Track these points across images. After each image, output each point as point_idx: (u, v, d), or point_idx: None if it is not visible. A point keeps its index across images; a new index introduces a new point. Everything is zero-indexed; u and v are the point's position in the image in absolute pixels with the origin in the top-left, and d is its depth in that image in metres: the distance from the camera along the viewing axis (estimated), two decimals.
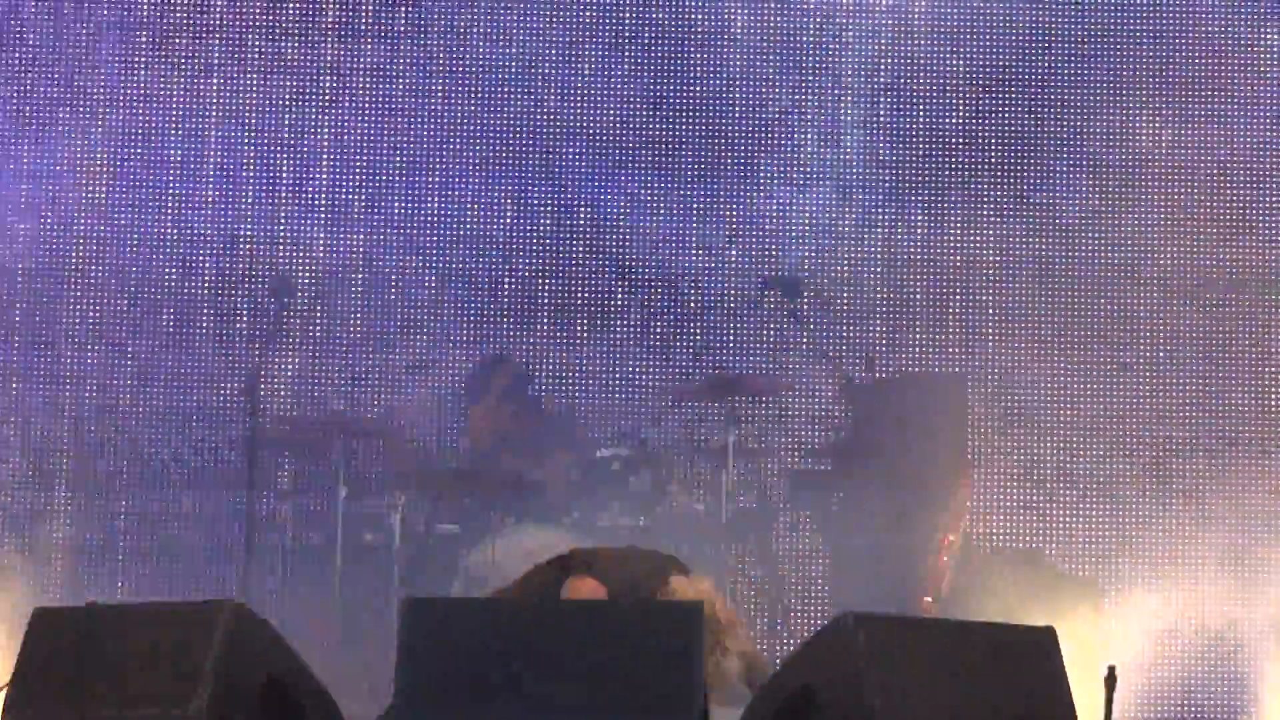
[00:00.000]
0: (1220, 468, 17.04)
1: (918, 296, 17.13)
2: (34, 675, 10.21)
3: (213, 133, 18.25)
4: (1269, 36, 17.69)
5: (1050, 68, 18.05)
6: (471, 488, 14.07)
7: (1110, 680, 10.38)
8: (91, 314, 17.73)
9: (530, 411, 15.04)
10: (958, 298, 17.14)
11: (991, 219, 17.48)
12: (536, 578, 11.70)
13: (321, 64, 18.38)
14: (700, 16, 18.35)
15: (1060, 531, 16.66)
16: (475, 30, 18.22)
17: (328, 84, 18.42)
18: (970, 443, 15.22)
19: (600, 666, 10.17)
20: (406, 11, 18.47)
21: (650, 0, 18.25)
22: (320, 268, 17.87)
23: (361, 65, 18.52)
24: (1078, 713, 10.06)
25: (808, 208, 17.76)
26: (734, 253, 17.46)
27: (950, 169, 17.84)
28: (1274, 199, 17.57)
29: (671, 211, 17.66)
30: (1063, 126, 17.84)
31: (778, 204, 17.72)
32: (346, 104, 18.63)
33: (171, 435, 16.79)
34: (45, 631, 10.53)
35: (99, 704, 9.93)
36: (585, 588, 11.61)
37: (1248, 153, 17.56)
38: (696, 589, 11.78)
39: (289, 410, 15.74)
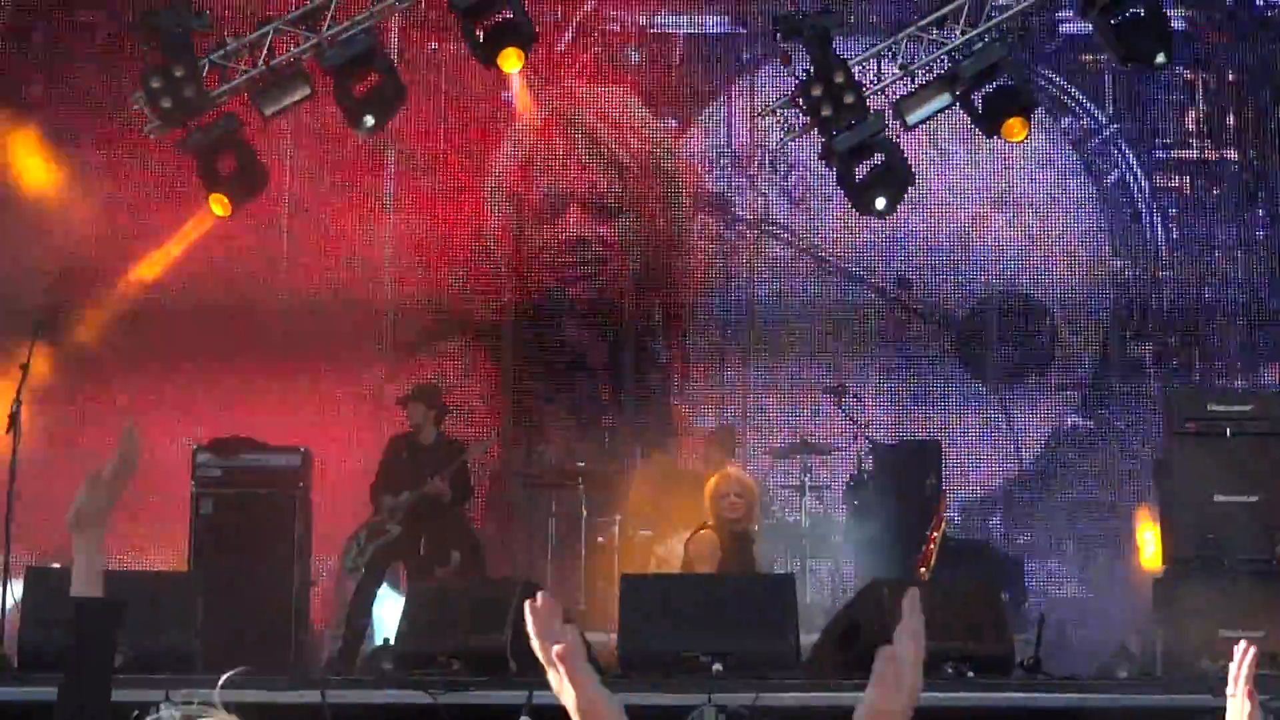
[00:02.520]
0: None
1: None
2: (412, 615, 10.29)
3: None
4: None
5: None
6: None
7: (1040, 620, 10.35)
8: None
9: None
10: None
11: None
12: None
13: None
14: None
15: None
16: None
17: None
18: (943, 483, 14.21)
19: (738, 610, 10.08)
20: None
21: None
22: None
23: None
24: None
25: None
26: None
27: None
28: None
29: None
30: None
31: None
32: None
33: None
34: (415, 596, 10.71)
35: (438, 636, 9.93)
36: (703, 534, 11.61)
37: None
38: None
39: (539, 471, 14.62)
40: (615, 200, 15.50)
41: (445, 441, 13.19)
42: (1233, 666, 4.19)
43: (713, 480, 12.02)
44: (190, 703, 3.23)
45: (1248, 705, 4.16)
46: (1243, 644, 4.20)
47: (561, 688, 3.16)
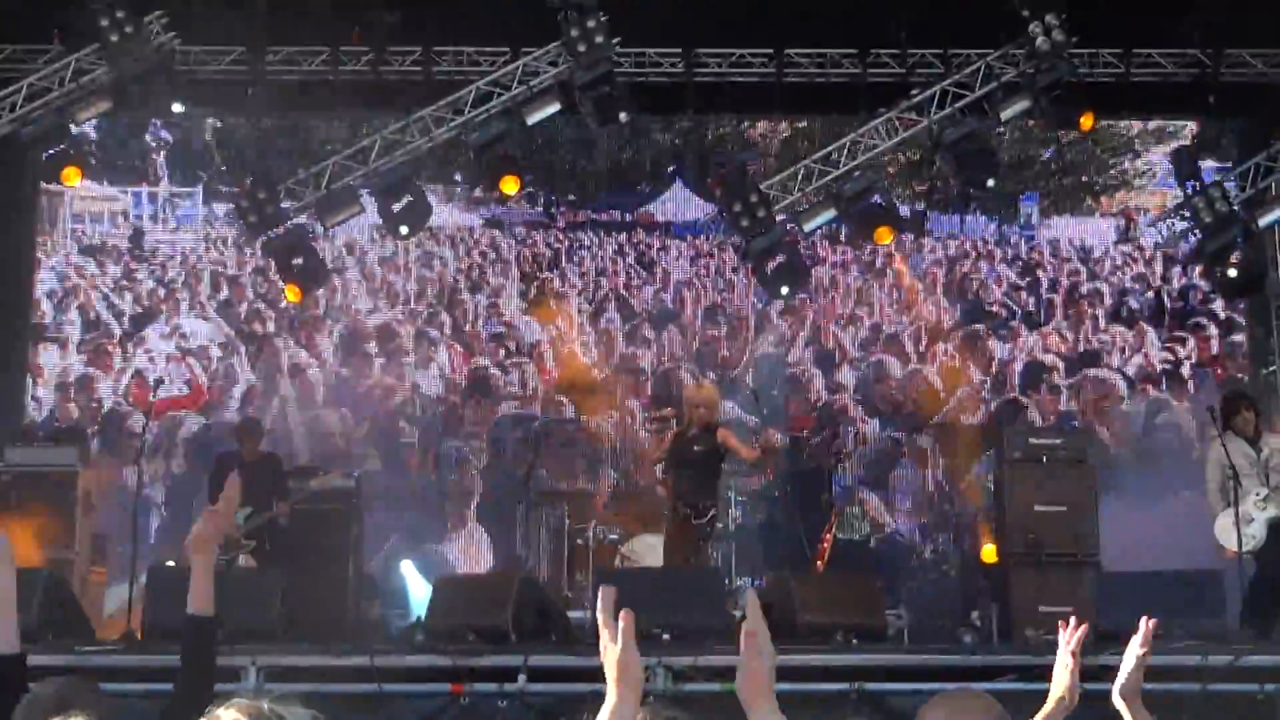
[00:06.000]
0: None
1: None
2: (437, 599, 10.32)
3: None
4: None
5: None
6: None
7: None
8: None
9: None
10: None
11: None
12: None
13: None
14: None
15: None
16: None
17: None
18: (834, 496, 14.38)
19: (681, 594, 10.20)
20: None
21: None
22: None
23: None
24: None
25: None
26: None
27: None
28: None
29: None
30: None
31: None
32: None
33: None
34: (440, 587, 10.70)
35: (457, 615, 9.92)
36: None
37: None
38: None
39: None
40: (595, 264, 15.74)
41: (265, 456, 12.33)
42: (1063, 637, 4.11)
43: (688, 393, 12.08)
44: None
45: (1070, 663, 4.04)
46: (1072, 620, 4.10)
47: (608, 646, 3.11)
